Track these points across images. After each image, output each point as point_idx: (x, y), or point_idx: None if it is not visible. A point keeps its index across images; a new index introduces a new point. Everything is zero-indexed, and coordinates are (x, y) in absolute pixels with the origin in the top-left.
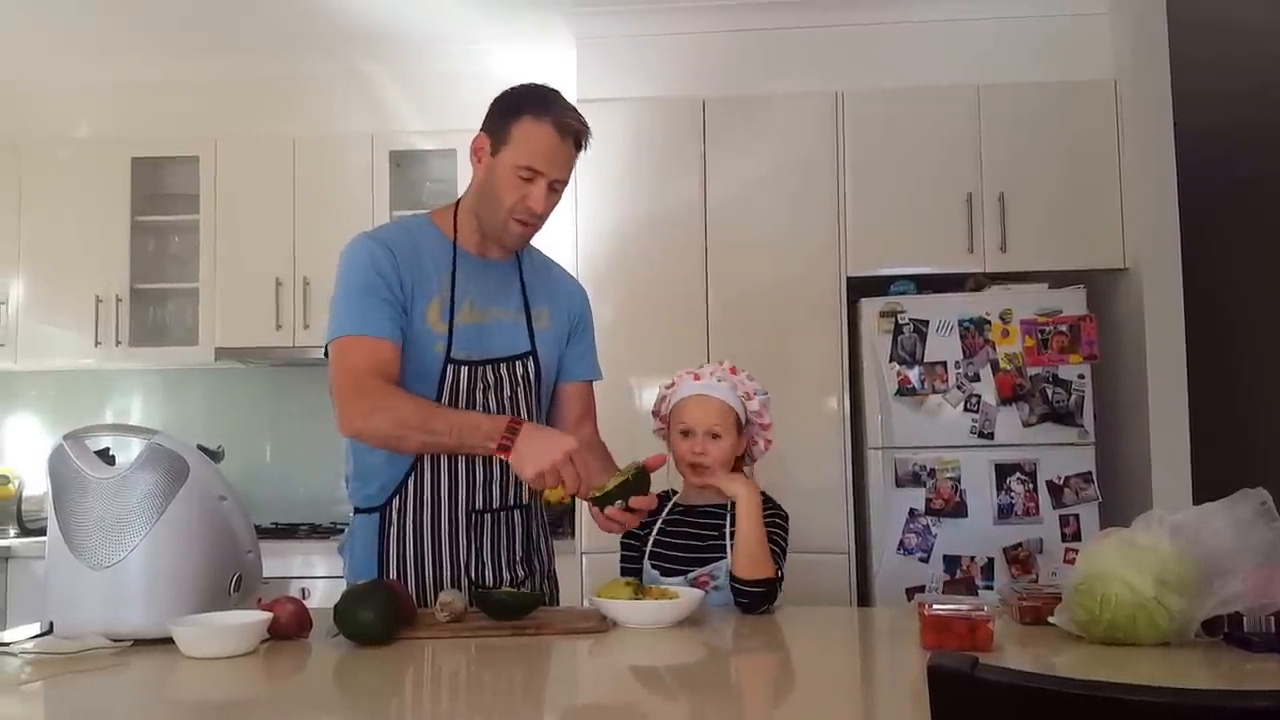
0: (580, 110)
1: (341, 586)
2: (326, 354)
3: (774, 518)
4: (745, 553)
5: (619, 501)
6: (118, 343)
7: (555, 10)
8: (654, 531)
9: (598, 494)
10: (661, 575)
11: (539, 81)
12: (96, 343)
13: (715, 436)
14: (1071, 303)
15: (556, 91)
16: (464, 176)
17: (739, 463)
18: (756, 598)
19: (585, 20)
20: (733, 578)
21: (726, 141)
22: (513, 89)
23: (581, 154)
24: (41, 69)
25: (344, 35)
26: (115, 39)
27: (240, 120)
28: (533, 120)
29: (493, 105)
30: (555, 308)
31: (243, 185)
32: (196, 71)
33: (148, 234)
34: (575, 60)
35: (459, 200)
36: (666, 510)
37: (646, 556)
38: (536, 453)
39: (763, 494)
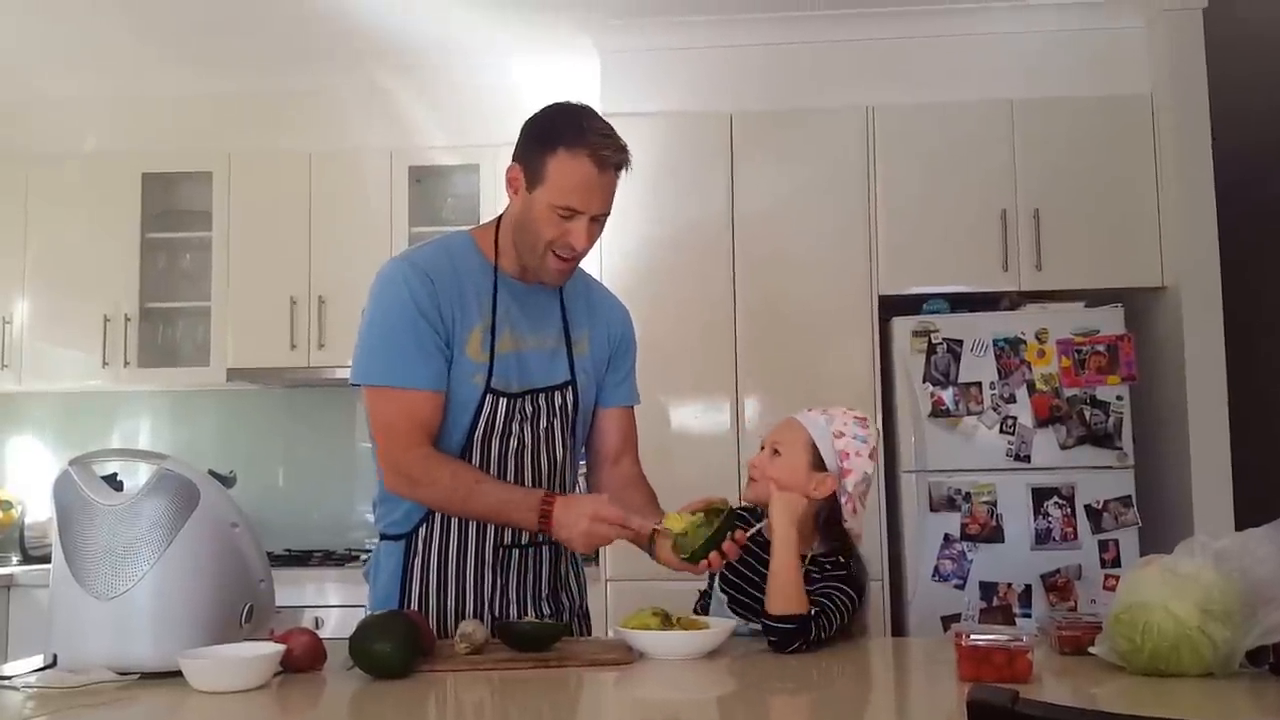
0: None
1: (357, 616)
2: (353, 384)
3: (837, 582)
4: (775, 588)
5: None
6: (126, 363)
7: (579, 23)
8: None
9: (688, 554)
10: (728, 603)
11: (570, 100)
12: (104, 363)
13: (776, 453)
14: (1109, 322)
15: (589, 112)
16: (487, 192)
17: (834, 531)
18: (784, 635)
19: (610, 33)
20: (764, 616)
21: (755, 157)
22: (544, 114)
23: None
24: (50, 81)
25: (362, 48)
26: (126, 51)
27: (255, 135)
28: (568, 155)
29: (524, 131)
30: (595, 331)
31: (257, 201)
32: (210, 85)
33: (158, 251)
34: (600, 73)
35: (499, 219)
36: (750, 533)
37: (717, 578)
38: (576, 527)
39: (842, 556)
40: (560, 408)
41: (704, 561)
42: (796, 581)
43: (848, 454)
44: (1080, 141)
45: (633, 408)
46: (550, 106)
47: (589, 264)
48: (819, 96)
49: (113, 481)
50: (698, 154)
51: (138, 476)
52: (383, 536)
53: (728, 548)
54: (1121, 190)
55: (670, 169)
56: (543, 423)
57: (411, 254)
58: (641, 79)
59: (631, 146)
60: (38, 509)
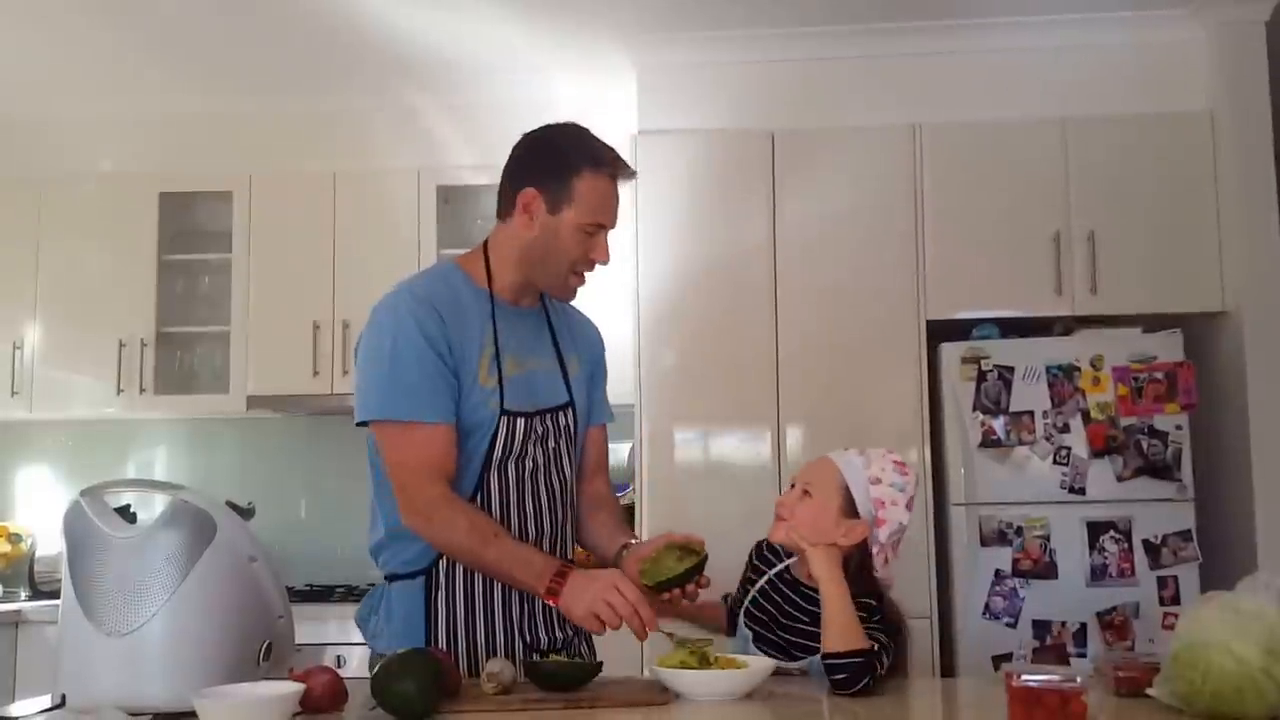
0: (640, 143)
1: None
2: (362, 423)
3: (870, 627)
4: (832, 625)
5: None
6: (142, 390)
7: (614, 37)
8: (755, 589)
9: (653, 582)
10: (753, 639)
11: (559, 121)
12: (119, 390)
13: (805, 494)
14: (1167, 348)
15: (586, 129)
16: None
17: (864, 577)
18: (854, 670)
19: (646, 48)
20: (824, 655)
21: (797, 177)
22: (548, 138)
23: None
24: (64, 99)
25: (388, 64)
26: (143, 68)
27: (277, 153)
28: (592, 175)
29: (531, 155)
30: (581, 353)
31: (279, 222)
32: (230, 102)
33: (176, 274)
34: (635, 90)
35: (486, 245)
36: (775, 570)
37: (743, 612)
38: (584, 597)
39: (873, 600)
40: (565, 428)
41: (665, 595)
42: (853, 619)
43: (883, 503)
44: (1136, 160)
45: (605, 426)
46: (547, 129)
47: (623, 286)
48: (864, 114)
49: (126, 513)
50: (738, 173)
51: (152, 508)
52: (393, 577)
53: (690, 590)
54: (1180, 211)
55: (709, 189)
56: (551, 443)
57: (411, 285)
58: (679, 95)
59: (669, 166)
60: (48, 542)
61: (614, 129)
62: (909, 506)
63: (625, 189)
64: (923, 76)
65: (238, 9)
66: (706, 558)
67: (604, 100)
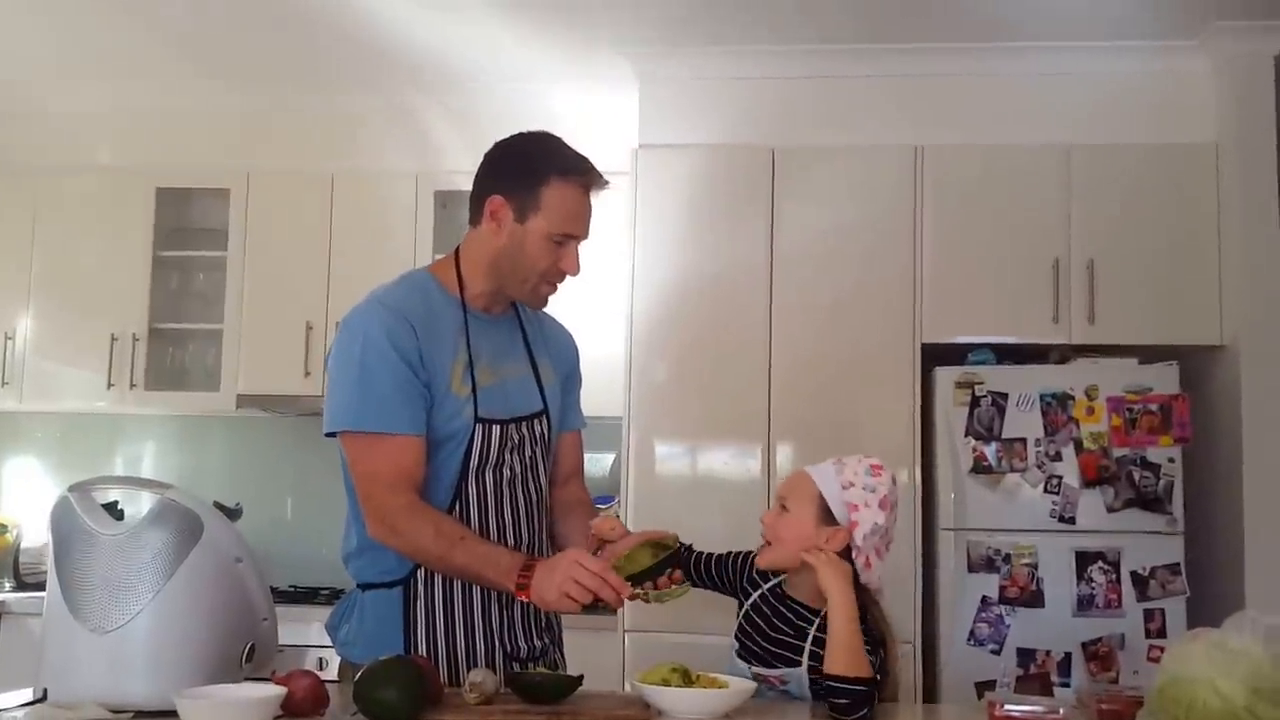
0: (640, 156)
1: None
2: (331, 434)
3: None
4: (838, 649)
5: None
6: (132, 385)
7: (617, 49)
8: (748, 603)
9: (627, 576)
10: (737, 650)
11: (532, 129)
12: (109, 384)
13: (783, 509)
14: (1163, 380)
15: (559, 138)
16: None
17: (856, 586)
18: (856, 698)
19: (649, 60)
20: (827, 676)
21: (797, 194)
22: (518, 145)
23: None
24: (61, 91)
25: (389, 67)
26: (142, 62)
27: (275, 152)
28: (561, 183)
29: (499, 164)
30: (554, 359)
31: (275, 222)
32: (230, 99)
33: (170, 270)
34: (637, 103)
35: (457, 253)
36: (770, 584)
37: (736, 628)
38: (553, 581)
39: (864, 610)
40: (540, 436)
41: (639, 589)
42: (859, 644)
43: (856, 505)
44: (1139, 190)
45: (579, 432)
46: (519, 137)
47: (618, 299)
48: (866, 133)
49: (113, 509)
50: (737, 189)
51: (139, 505)
52: (368, 586)
53: (662, 582)
54: (1181, 243)
55: (708, 203)
56: (527, 451)
57: (383, 296)
58: (681, 109)
59: (669, 180)
60: (34, 533)
61: (615, 141)
62: (883, 505)
63: (624, 201)
64: (926, 98)
65: (241, 5)
66: (679, 551)
67: (605, 112)
